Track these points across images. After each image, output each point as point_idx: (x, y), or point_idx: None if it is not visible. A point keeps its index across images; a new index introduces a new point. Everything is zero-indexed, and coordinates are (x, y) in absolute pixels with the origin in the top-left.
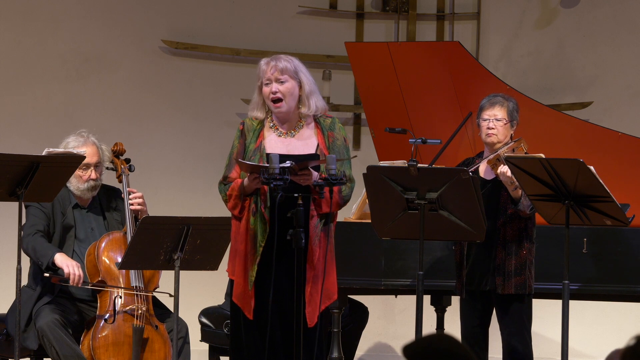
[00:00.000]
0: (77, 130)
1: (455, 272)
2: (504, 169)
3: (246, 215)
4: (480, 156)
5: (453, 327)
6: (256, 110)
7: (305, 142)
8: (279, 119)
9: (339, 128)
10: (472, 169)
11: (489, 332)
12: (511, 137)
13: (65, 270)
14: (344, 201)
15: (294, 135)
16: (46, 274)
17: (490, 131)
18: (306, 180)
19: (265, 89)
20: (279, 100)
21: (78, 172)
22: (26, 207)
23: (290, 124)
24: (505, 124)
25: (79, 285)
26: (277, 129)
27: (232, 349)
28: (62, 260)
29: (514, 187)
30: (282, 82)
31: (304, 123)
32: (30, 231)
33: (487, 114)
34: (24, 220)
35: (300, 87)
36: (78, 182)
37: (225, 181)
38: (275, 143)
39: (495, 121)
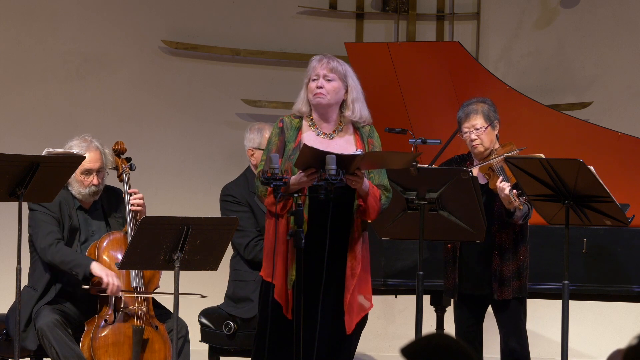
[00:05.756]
0: (77, 130)
1: (443, 270)
2: (502, 184)
3: (285, 215)
4: (469, 155)
5: (453, 327)
6: (301, 104)
7: (343, 147)
8: (319, 117)
9: (377, 137)
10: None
11: (483, 331)
12: (497, 137)
13: (105, 280)
14: (382, 209)
15: (332, 138)
16: (85, 286)
17: (474, 142)
18: (356, 183)
19: (312, 84)
20: (321, 94)
21: (80, 177)
22: (30, 209)
23: (329, 125)
24: (485, 130)
25: (118, 295)
26: (317, 128)
27: (261, 348)
28: (100, 270)
29: (508, 201)
30: (329, 80)
31: (343, 127)
32: (51, 240)
33: (466, 126)
34: (24, 220)
35: (347, 91)
36: (80, 187)
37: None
38: (314, 142)
39: (475, 131)
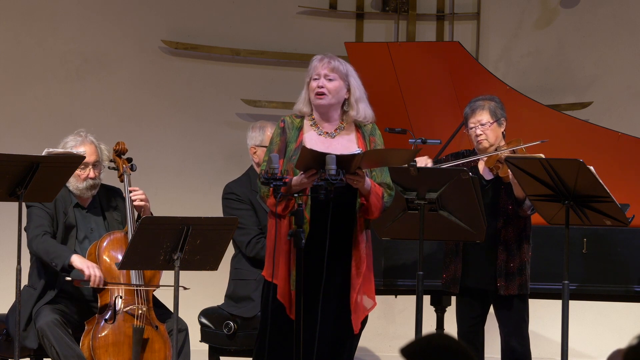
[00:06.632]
0: (77, 130)
1: (443, 265)
2: None
3: (287, 215)
4: (475, 152)
5: (453, 327)
6: (302, 104)
7: (345, 146)
8: (320, 117)
9: (379, 134)
10: (467, 161)
11: (484, 331)
12: (503, 135)
13: (86, 272)
14: (385, 207)
15: (334, 137)
16: (68, 278)
17: (479, 138)
18: (357, 182)
19: (312, 83)
20: (322, 94)
21: (77, 171)
22: (28, 207)
23: (331, 125)
24: (491, 126)
25: (100, 286)
26: (318, 127)
27: (263, 348)
28: (80, 262)
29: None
30: (330, 80)
31: (345, 126)
32: (38, 232)
33: (472, 121)
34: (24, 220)
35: (349, 91)
36: (77, 182)
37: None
38: (315, 142)
39: (480, 126)
